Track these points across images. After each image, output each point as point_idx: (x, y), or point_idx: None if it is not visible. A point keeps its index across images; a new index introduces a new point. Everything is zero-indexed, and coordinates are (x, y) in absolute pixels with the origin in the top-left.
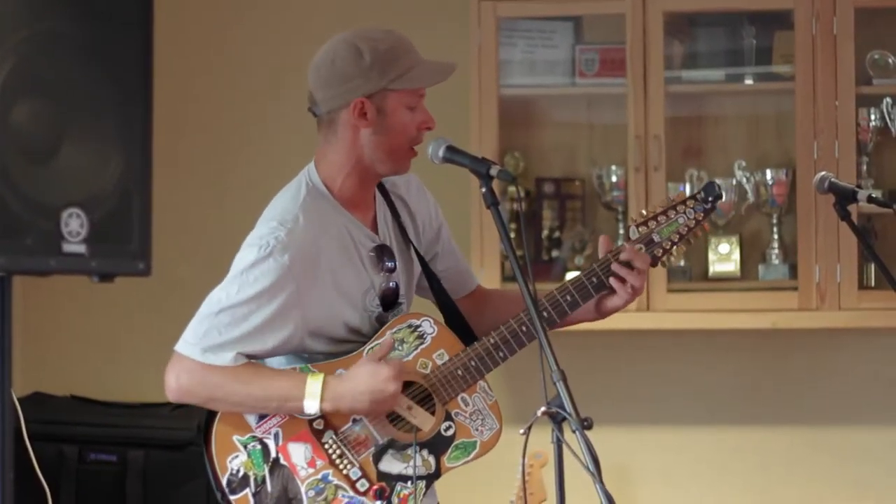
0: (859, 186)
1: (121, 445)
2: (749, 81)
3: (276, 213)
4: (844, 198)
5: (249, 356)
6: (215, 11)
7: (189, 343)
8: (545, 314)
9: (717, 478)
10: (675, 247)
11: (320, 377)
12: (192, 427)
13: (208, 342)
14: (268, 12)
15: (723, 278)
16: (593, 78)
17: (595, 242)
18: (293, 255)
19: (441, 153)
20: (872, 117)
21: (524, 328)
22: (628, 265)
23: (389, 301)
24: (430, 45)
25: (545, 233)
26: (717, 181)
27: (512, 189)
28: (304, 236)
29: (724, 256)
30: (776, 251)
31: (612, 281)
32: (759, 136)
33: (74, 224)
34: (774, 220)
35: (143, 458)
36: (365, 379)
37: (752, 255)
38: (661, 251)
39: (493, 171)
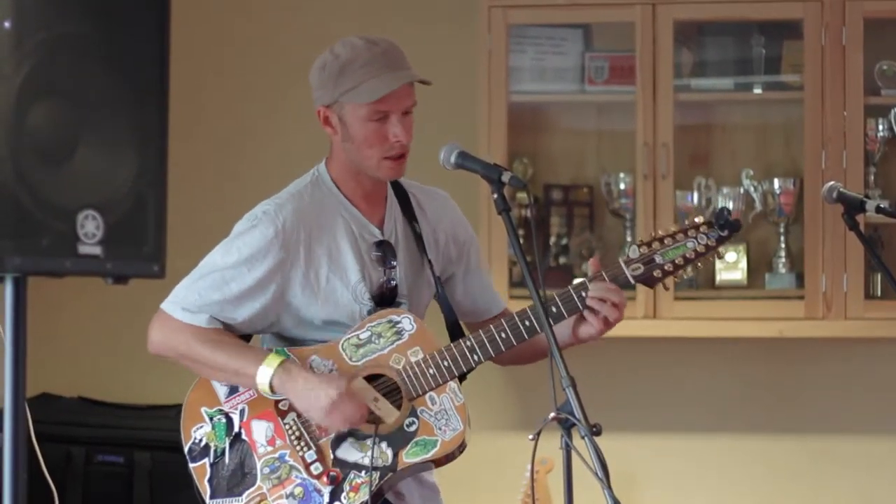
0: (867, 196)
1: (128, 447)
2: (758, 90)
3: (277, 194)
4: (853, 208)
5: (224, 323)
6: (224, 14)
7: (171, 302)
8: (503, 335)
9: (723, 485)
10: (679, 270)
11: (281, 356)
12: None
13: (188, 302)
14: (277, 15)
15: (729, 287)
16: (603, 85)
17: (602, 249)
18: (279, 228)
19: (453, 159)
20: (880, 128)
21: (503, 334)
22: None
23: (387, 298)
24: (441, 52)
25: (553, 239)
26: (728, 207)
27: (520, 195)
28: (295, 214)
29: (731, 265)
30: (783, 260)
31: (586, 312)
32: (767, 145)
33: (90, 226)
34: (781, 229)
35: (150, 460)
36: (315, 383)
37: (758, 263)
38: (660, 272)
39: (506, 177)
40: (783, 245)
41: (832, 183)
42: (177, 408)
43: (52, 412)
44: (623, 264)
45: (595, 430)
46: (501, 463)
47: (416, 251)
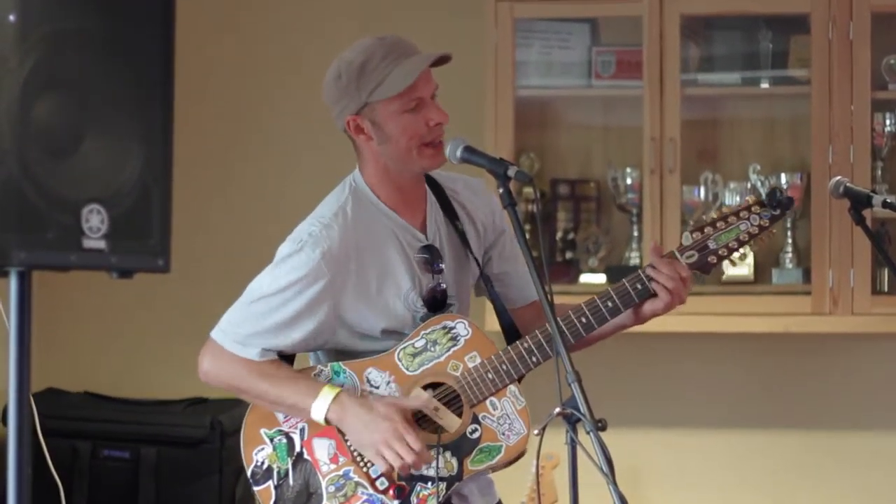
0: (874, 191)
1: (134, 442)
2: (765, 85)
3: (319, 212)
4: (859, 202)
5: (276, 350)
6: (228, 8)
7: (222, 330)
8: (583, 320)
9: (729, 480)
10: (734, 253)
11: (335, 389)
12: (205, 424)
13: (238, 333)
14: (280, 11)
15: (736, 282)
16: (609, 80)
17: (609, 244)
18: (325, 249)
19: (459, 153)
20: (888, 122)
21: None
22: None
23: (438, 302)
24: (446, 46)
25: (559, 234)
26: (780, 188)
27: (527, 190)
28: (341, 233)
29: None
30: (790, 255)
31: (653, 285)
32: (775, 140)
33: (95, 220)
34: (788, 225)
35: (156, 455)
36: (367, 420)
37: (765, 259)
38: (715, 258)
39: (511, 171)
40: (790, 240)
41: (839, 178)
42: (183, 402)
43: (57, 407)
44: (677, 253)
45: (600, 426)
46: None
47: (461, 248)
